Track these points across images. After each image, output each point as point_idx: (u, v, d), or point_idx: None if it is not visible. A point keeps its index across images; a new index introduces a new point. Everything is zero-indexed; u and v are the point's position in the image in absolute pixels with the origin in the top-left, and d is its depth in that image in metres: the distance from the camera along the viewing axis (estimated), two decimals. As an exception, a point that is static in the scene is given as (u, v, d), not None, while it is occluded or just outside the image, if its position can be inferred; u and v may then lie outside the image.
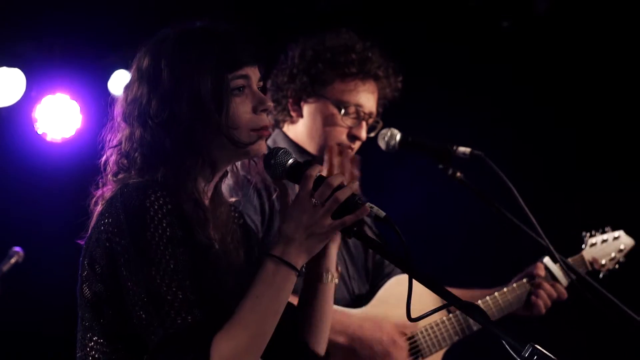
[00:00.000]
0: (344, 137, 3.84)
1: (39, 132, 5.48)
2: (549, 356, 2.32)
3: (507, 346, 2.36)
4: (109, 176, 2.66)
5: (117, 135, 2.68)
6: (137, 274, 2.47)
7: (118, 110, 2.68)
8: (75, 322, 2.66)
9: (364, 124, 3.86)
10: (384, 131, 3.81)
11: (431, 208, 5.41)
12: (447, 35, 5.58)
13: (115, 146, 2.67)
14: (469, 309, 2.44)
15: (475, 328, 3.89)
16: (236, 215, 2.88)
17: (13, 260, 5.21)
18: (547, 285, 3.99)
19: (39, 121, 5.48)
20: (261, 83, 2.70)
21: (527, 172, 5.04)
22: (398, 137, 3.77)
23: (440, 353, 3.95)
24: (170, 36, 2.66)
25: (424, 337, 3.87)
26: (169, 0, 5.23)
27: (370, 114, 3.88)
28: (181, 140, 2.58)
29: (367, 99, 3.86)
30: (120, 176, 2.64)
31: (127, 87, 2.67)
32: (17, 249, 5.27)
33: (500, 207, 3.47)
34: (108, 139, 2.70)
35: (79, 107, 5.52)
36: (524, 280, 4.01)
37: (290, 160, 2.62)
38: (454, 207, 4.98)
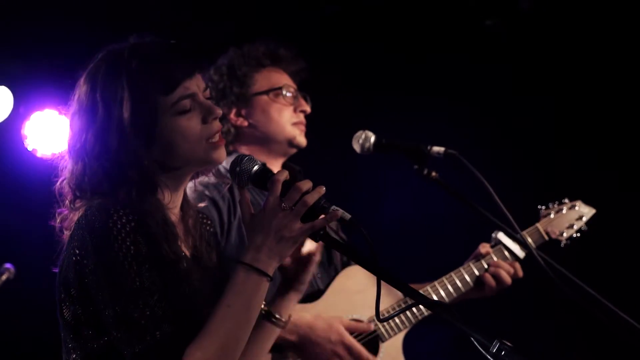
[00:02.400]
0: (295, 116, 4.08)
1: (29, 148, 5.50)
2: (516, 350, 2.34)
3: (475, 342, 2.38)
4: (70, 209, 2.67)
5: (66, 165, 2.71)
6: (105, 295, 2.51)
7: (67, 139, 2.71)
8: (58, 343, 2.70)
9: (300, 99, 4.12)
10: (358, 134, 3.82)
11: (412, 208, 5.43)
12: (428, 35, 5.60)
13: (65, 178, 2.70)
14: (437, 307, 2.46)
15: None
16: (205, 221, 2.91)
17: (4, 277, 5.21)
18: (504, 263, 3.97)
19: (29, 138, 5.50)
20: (207, 92, 2.71)
21: (500, 165, 5.05)
22: (372, 139, 3.78)
23: (400, 335, 3.97)
24: (103, 63, 2.67)
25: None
26: (158, 16, 5.26)
27: (296, 90, 4.14)
28: (114, 172, 2.61)
29: (286, 79, 4.13)
30: (78, 204, 2.65)
31: (72, 118, 2.70)
32: (8, 265, 5.27)
33: (476, 205, 3.47)
34: (60, 167, 2.73)
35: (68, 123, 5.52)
36: (471, 261, 4.02)
37: (256, 167, 2.64)
38: (435, 206, 4.99)
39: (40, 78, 5.44)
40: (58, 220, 2.72)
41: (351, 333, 3.82)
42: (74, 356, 2.62)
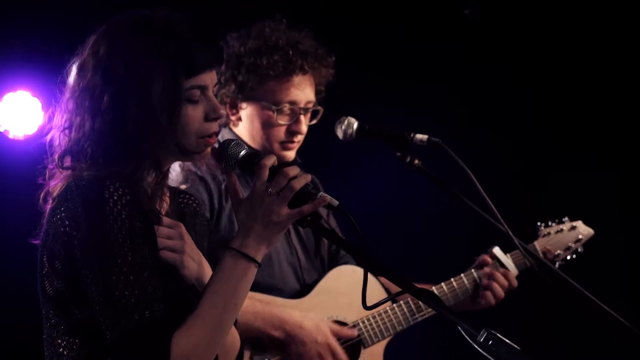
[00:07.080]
0: (283, 135, 3.89)
1: (1, 129, 5.45)
2: (504, 340, 2.34)
3: (462, 332, 2.37)
4: (58, 166, 2.59)
5: (66, 116, 2.62)
6: (94, 268, 2.45)
7: (70, 90, 2.62)
8: (36, 321, 2.64)
9: (301, 118, 3.91)
10: (340, 120, 3.79)
11: (394, 196, 5.42)
12: (408, 22, 5.58)
13: (65, 128, 2.61)
14: (424, 295, 2.45)
15: (420, 318, 3.91)
16: (190, 203, 2.84)
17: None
18: (498, 274, 3.99)
19: (0, 119, 5.45)
20: (216, 87, 2.67)
21: (488, 160, 5.03)
22: (355, 125, 3.74)
23: (383, 343, 3.98)
24: (129, 25, 2.61)
25: (365, 326, 3.90)
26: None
27: (306, 106, 3.92)
28: (129, 141, 2.54)
29: (299, 93, 3.90)
30: (68, 164, 2.58)
31: (81, 68, 2.60)
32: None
33: (459, 194, 3.46)
34: (56, 115, 2.64)
35: (40, 104, 5.49)
36: (472, 270, 4.03)
37: (243, 152, 2.62)
38: (417, 194, 4.98)
39: (13, 59, 5.38)
40: (47, 176, 2.61)
41: (335, 337, 3.84)
42: (56, 332, 2.55)
